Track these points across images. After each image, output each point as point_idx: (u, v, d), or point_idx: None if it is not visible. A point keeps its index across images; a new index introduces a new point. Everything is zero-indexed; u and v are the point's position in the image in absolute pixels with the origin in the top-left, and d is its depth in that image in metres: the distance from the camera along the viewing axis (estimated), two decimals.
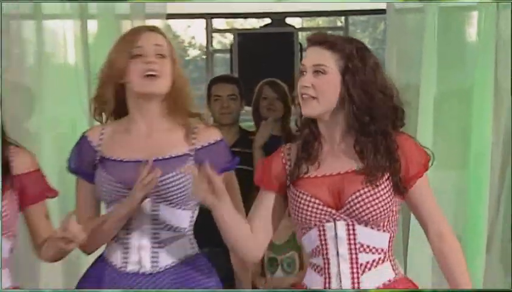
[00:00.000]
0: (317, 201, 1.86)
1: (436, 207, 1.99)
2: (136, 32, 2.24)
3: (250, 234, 2.00)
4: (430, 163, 1.88)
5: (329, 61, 1.84)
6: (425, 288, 2.96)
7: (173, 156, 2.16)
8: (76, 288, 2.39)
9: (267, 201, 2.01)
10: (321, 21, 7.21)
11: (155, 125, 2.27)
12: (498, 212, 3.22)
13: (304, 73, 1.84)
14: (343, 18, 6.77)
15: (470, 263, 2.82)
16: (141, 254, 2.21)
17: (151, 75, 2.10)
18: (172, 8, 3.96)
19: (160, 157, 2.14)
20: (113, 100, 2.22)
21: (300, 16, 6.57)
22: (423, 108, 3.17)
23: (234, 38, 6.71)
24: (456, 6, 3.34)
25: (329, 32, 3.74)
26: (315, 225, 1.89)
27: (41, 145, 3.34)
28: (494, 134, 3.12)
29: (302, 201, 1.90)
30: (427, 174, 1.88)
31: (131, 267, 2.19)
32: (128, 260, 2.22)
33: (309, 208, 1.90)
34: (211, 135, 2.23)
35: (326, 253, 1.89)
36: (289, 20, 6.43)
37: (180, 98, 2.23)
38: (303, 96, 1.85)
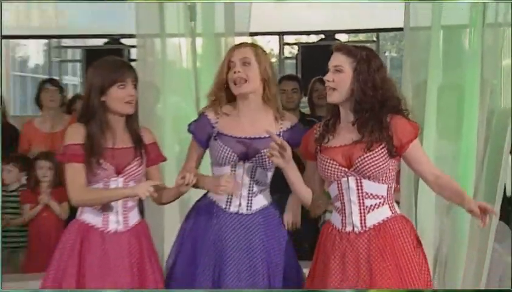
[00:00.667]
0: (335, 163, 2.45)
1: (429, 162, 2.59)
2: (231, 50, 2.92)
3: (306, 187, 2.64)
4: (419, 132, 2.49)
5: (345, 63, 2.39)
6: (429, 227, 3.61)
7: (267, 136, 2.71)
8: (186, 218, 3.09)
9: (310, 168, 2.67)
10: (361, 36, 7.65)
11: (254, 114, 2.88)
12: (482, 172, 3.58)
13: (329, 71, 2.45)
14: (375, 34, 8.05)
15: (459, 212, 3.39)
16: (241, 200, 2.87)
17: (238, 81, 2.75)
18: (255, 27, 4.41)
19: (258, 136, 2.81)
20: (224, 95, 2.90)
21: (346, 33, 7.21)
22: (429, 98, 3.54)
23: (298, 49, 8.01)
24: (454, 25, 3.69)
25: (365, 44, 4.11)
26: (335, 180, 2.49)
27: (164, 125, 3.85)
28: (480, 115, 3.51)
29: (325, 163, 2.50)
30: (418, 140, 2.50)
31: (233, 209, 2.86)
32: (231, 204, 2.88)
33: (330, 168, 2.49)
34: (292, 120, 2.93)
35: (343, 200, 2.50)
36: (338, 36, 6.92)
37: (270, 93, 2.88)
38: (327, 87, 2.45)
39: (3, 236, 4.96)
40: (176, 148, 3.67)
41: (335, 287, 2.58)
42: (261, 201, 2.93)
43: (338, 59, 2.46)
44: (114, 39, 6.90)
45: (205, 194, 3.00)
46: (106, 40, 7.48)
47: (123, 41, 6.29)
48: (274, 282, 2.87)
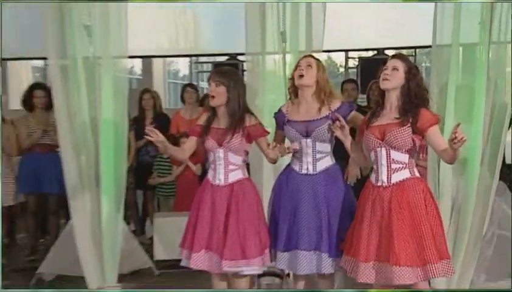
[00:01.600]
0: (373, 137, 2.95)
1: (444, 143, 2.91)
2: (300, 58, 3.44)
3: (361, 154, 3.17)
4: (439, 121, 3.00)
5: (400, 66, 2.92)
6: (448, 184, 3.89)
7: (321, 117, 3.28)
8: (277, 178, 3.56)
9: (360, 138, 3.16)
10: (404, 51, 7.81)
11: (308, 104, 3.36)
12: (487, 146, 3.87)
13: (386, 68, 2.93)
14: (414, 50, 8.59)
15: (470, 174, 3.86)
16: (308, 165, 3.34)
17: (300, 76, 3.25)
18: (327, 45, 4.78)
19: (315, 118, 3.29)
20: (294, 89, 3.42)
21: (393, 49, 7.47)
22: (449, 95, 3.86)
23: (358, 61, 8.89)
24: (468, 43, 3.96)
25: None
26: (372, 149, 3.00)
27: (263, 114, 4.15)
28: (486, 106, 3.82)
29: (367, 137, 3.00)
30: (437, 127, 2.96)
31: (304, 171, 3.35)
32: (302, 167, 3.35)
33: (370, 140, 2.99)
34: (336, 103, 3.33)
35: (377, 163, 2.99)
36: (386, 51, 7.42)
37: (322, 87, 3.32)
38: (384, 77, 2.93)
39: (158, 188, 6.34)
40: (271, 129, 3.73)
41: (367, 225, 3.00)
42: (323, 164, 3.34)
43: (396, 63, 2.96)
44: (233, 56, 7.79)
45: (288, 164, 3.49)
46: (227, 57, 8.28)
47: (239, 57, 6.94)
48: (332, 220, 3.28)
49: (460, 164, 3.76)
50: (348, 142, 3.19)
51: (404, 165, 2.95)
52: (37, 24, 5.01)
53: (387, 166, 2.95)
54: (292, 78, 3.35)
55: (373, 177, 3.04)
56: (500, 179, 4.11)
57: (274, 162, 3.48)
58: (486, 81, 3.75)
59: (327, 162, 3.30)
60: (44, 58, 5.35)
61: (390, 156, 2.94)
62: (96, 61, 4.25)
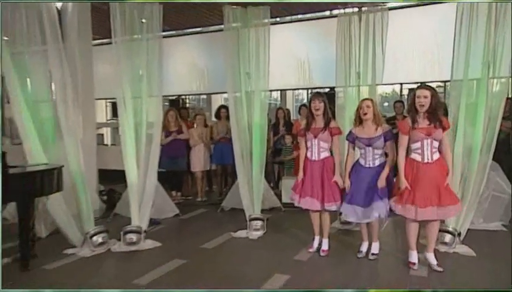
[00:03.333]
0: (422, 134, 3.33)
1: (447, 144, 3.42)
2: (362, 101, 3.85)
3: (404, 154, 3.48)
4: (449, 126, 3.41)
5: (428, 94, 3.32)
6: (459, 162, 4.03)
7: (377, 135, 3.69)
8: (351, 171, 3.89)
9: (405, 138, 3.46)
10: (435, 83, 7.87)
11: (370, 126, 3.76)
12: (484, 140, 4.08)
13: (419, 97, 3.32)
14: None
15: (473, 157, 4.10)
16: (369, 162, 3.83)
17: (364, 114, 3.71)
18: (386, 79, 5.05)
19: (374, 136, 3.71)
20: (360, 118, 3.79)
21: (431, 82, 7.37)
22: (461, 109, 4.10)
23: (408, 92, 8.77)
24: (473, 78, 4.09)
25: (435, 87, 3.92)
26: (419, 141, 3.37)
27: (344, 121, 4.78)
28: (484, 117, 4.07)
29: (417, 134, 3.36)
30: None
31: (367, 165, 3.82)
32: (366, 163, 3.83)
33: (419, 136, 3.36)
34: (386, 127, 3.75)
35: (423, 148, 3.38)
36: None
37: (377, 117, 3.75)
38: (420, 103, 3.35)
39: (285, 163, 7.04)
40: (345, 131, 4.25)
41: (424, 184, 3.34)
42: (377, 161, 3.80)
43: (425, 92, 3.35)
44: (331, 88, 7.84)
45: (357, 159, 3.93)
46: (328, 88, 8.40)
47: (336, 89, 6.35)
48: (381, 193, 3.70)
49: (467, 150, 4.13)
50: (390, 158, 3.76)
51: (438, 149, 3.43)
52: (221, 70, 6.15)
53: (431, 151, 3.38)
54: (358, 112, 3.80)
55: (418, 158, 3.43)
56: (493, 159, 4.26)
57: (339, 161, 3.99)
58: (485, 101, 4.05)
59: (380, 160, 3.80)
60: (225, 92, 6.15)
61: (432, 145, 3.39)
62: (252, 93, 5.03)
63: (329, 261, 4.02)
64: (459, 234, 4.13)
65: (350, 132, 3.84)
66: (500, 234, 4.70)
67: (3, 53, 4.01)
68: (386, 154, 3.81)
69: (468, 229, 4.25)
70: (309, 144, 4.00)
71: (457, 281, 3.47)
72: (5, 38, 4.08)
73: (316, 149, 3.95)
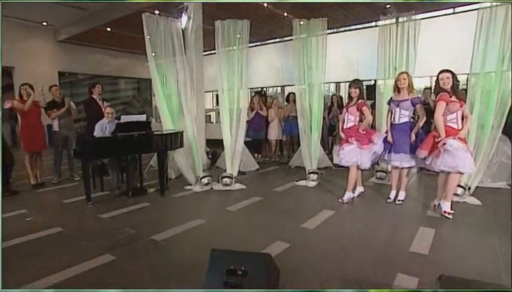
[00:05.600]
0: (458, 105, 3.18)
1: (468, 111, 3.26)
2: (400, 74, 3.74)
3: (442, 118, 3.21)
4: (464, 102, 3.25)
5: (450, 75, 3.22)
6: (473, 136, 3.93)
7: (405, 99, 3.64)
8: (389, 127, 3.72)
9: (443, 106, 3.21)
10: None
11: (403, 92, 3.68)
12: (495, 117, 3.96)
13: (442, 79, 3.19)
14: None
15: (485, 130, 3.97)
16: (397, 119, 3.72)
17: (401, 84, 3.63)
18: (418, 72, 4.59)
19: (402, 99, 3.64)
20: (397, 87, 3.66)
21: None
22: (477, 93, 3.98)
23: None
24: (489, 71, 3.90)
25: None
26: (455, 112, 3.22)
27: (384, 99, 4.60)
28: (496, 100, 3.91)
29: (453, 105, 3.19)
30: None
31: (396, 122, 3.73)
32: (395, 121, 3.74)
33: (455, 107, 3.20)
34: (414, 95, 3.68)
35: (457, 117, 3.24)
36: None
37: (410, 87, 3.66)
38: (444, 82, 3.21)
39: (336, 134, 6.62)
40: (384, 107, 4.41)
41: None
42: (403, 119, 3.71)
43: (447, 74, 3.27)
44: (374, 80, 6.26)
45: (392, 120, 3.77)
46: (372, 81, 7.50)
47: (377, 82, 5.60)
48: (411, 147, 3.58)
49: (480, 126, 4.04)
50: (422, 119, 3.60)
51: (461, 121, 3.32)
52: (291, 68, 5.95)
53: (461, 119, 3.31)
54: (396, 82, 3.77)
55: (454, 124, 3.29)
56: (503, 133, 4.13)
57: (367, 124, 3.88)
58: (497, 89, 3.90)
59: (406, 119, 3.73)
60: (293, 85, 5.94)
61: (462, 114, 3.34)
62: (312, 85, 5.11)
63: (364, 203, 4.07)
64: (469, 188, 4.07)
65: (390, 98, 3.81)
66: (504, 191, 4.51)
67: (151, 62, 4.55)
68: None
69: (478, 187, 4.15)
70: (344, 117, 4.05)
71: (463, 221, 3.36)
72: (153, 54, 4.57)
73: (346, 120, 4.01)
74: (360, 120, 3.98)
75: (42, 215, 3.68)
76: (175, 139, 4.48)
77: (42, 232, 3.14)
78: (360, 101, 3.91)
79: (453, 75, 3.22)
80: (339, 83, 10.68)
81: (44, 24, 10.27)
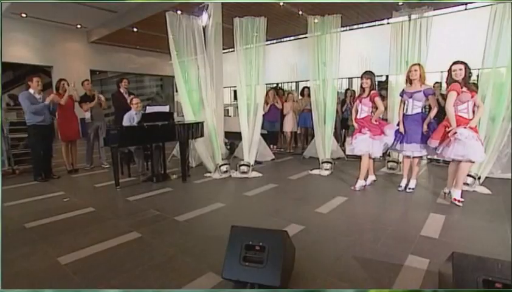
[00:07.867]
0: (469, 95, 3.04)
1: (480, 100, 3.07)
2: (411, 66, 3.53)
3: (453, 108, 3.06)
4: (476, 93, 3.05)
5: (462, 67, 3.06)
6: (485, 126, 3.78)
7: (417, 91, 3.48)
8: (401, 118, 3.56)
9: (454, 96, 3.08)
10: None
11: (415, 84, 3.53)
12: (507, 110, 3.82)
13: (455, 70, 3.04)
14: None
15: (496, 123, 3.83)
16: (410, 109, 3.58)
17: (412, 76, 3.45)
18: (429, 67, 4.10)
19: (415, 91, 3.50)
20: (409, 79, 3.48)
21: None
22: (489, 87, 3.84)
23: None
24: (500, 66, 3.76)
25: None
26: (466, 102, 3.08)
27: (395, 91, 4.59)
28: (508, 94, 3.76)
29: (465, 95, 3.06)
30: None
31: (408, 113, 3.59)
32: (407, 111, 3.59)
33: (466, 97, 3.07)
34: (427, 86, 3.50)
35: (468, 107, 3.09)
36: None
37: (422, 78, 3.50)
38: (456, 73, 3.07)
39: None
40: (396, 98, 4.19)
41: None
42: (416, 110, 3.58)
43: (460, 66, 3.11)
44: (386, 76, 6.34)
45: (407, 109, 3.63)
46: (384, 76, 7.36)
47: (389, 77, 5.35)
48: (422, 136, 3.50)
49: (491, 119, 3.91)
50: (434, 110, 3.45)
51: (472, 112, 3.19)
52: (305, 65, 5.70)
53: (472, 109, 3.17)
54: (408, 74, 3.60)
55: (465, 114, 3.14)
56: None
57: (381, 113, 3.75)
58: (509, 83, 3.74)
59: (418, 110, 3.61)
60: (308, 80, 6.05)
61: (473, 105, 3.20)
62: (326, 80, 4.99)
63: (376, 191, 4.00)
64: (479, 178, 3.95)
65: (402, 90, 3.69)
66: None
67: (174, 60, 4.57)
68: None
69: (487, 177, 4.03)
70: (358, 108, 3.98)
71: (473, 208, 3.27)
72: (175, 52, 4.59)
73: (360, 110, 3.93)
74: (375, 110, 3.89)
75: (77, 197, 3.83)
76: (196, 129, 4.52)
77: (77, 211, 3.27)
78: (372, 92, 3.82)
79: (466, 67, 3.09)
80: (351, 78, 10.55)
81: (78, 26, 10.57)
